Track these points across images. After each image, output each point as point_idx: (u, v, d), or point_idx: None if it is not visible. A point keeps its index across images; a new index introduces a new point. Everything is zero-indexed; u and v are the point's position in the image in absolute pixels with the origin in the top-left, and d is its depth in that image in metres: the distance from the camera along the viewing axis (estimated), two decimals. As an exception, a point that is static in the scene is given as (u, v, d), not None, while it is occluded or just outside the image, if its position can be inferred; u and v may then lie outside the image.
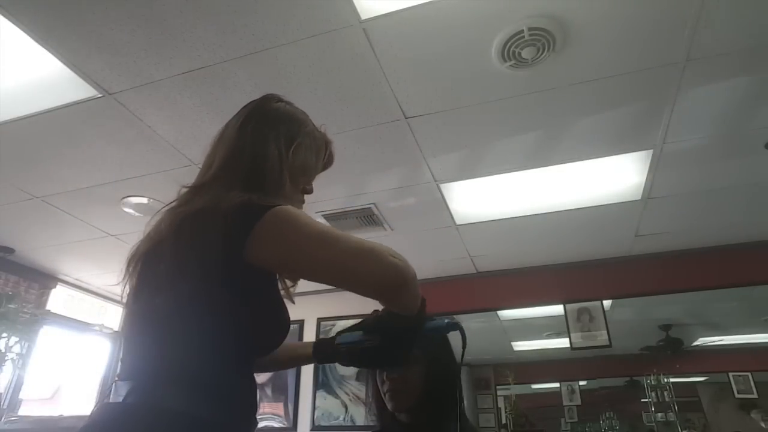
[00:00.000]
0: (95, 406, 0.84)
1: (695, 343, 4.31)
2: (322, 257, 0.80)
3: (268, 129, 1.00)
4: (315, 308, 4.21)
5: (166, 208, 0.95)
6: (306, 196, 1.09)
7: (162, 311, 0.84)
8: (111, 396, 0.82)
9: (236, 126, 1.02)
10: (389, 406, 1.17)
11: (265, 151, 0.97)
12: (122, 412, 0.78)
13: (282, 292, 0.97)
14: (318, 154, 1.08)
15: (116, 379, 0.84)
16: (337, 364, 3.93)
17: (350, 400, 3.87)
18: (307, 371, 4.08)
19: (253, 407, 0.90)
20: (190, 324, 0.83)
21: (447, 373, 1.12)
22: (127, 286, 0.91)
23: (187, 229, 0.86)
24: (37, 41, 1.76)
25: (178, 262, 0.84)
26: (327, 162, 1.13)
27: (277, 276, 0.95)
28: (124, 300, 0.91)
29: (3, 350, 3.06)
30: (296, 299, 0.99)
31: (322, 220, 3.05)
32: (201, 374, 0.80)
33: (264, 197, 0.87)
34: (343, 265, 0.79)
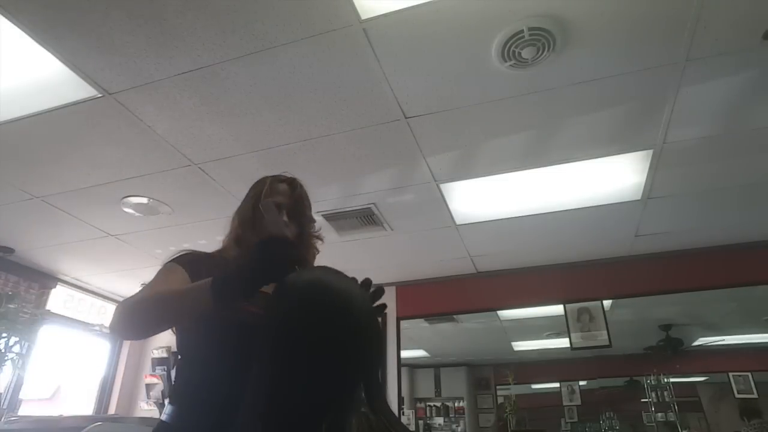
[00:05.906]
0: None
1: (695, 343, 4.31)
2: None
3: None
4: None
5: None
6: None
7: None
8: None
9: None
10: None
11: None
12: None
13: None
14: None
15: None
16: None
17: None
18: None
19: (208, 405, 1.02)
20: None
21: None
22: None
23: None
24: (37, 41, 1.76)
25: None
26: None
27: None
28: None
29: (3, 350, 3.06)
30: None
31: (323, 220, 3.06)
32: (179, 391, 1.10)
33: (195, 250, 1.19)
34: None
